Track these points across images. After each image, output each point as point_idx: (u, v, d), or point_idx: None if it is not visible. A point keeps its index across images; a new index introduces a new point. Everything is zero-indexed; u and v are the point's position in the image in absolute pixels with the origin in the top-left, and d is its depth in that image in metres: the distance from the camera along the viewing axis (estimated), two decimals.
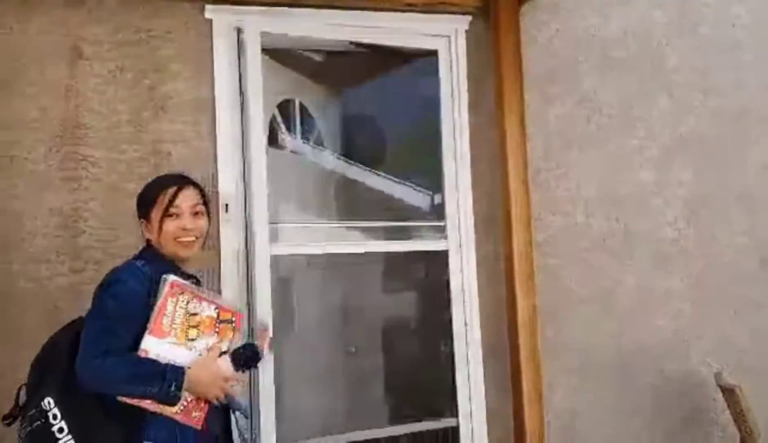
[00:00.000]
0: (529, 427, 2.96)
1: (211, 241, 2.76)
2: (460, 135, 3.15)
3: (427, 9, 3.12)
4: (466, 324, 3.11)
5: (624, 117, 3.32)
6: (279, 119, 3.37)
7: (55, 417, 1.77)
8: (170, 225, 1.97)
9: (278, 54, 3.27)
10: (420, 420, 3.12)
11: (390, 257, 3.39)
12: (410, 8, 3.08)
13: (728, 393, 2.87)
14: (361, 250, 3.14)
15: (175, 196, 1.98)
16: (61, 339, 1.90)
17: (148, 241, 2.03)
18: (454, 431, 3.07)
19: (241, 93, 2.94)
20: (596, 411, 3.17)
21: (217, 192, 2.81)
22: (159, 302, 1.85)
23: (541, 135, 3.23)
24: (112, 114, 2.80)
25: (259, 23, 2.90)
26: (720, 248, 3.34)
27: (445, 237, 3.11)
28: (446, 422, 3.08)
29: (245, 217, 2.84)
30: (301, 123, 3.56)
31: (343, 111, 3.95)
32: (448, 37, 3.16)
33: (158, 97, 2.85)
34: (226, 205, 2.80)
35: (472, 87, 3.18)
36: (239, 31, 2.95)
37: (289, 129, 3.46)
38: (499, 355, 3.11)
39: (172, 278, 1.88)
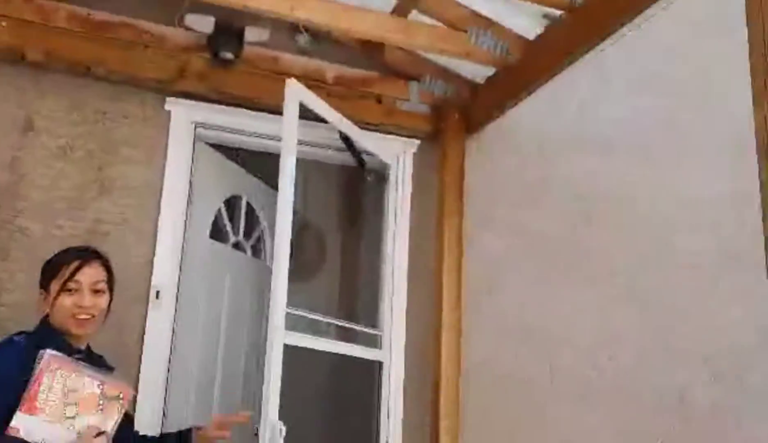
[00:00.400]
0: None
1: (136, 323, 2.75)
2: (399, 250, 3.22)
3: (383, 129, 3.28)
4: (387, 441, 3.07)
5: (559, 249, 3.44)
6: (224, 213, 3.39)
7: None
8: (67, 300, 1.92)
9: (232, 152, 3.37)
10: None
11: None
12: (367, 126, 3.23)
13: None
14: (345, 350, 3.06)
15: (76, 271, 1.93)
16: None
17: (46, 314, 1.96)
18: None
19: (191, 184, 2.99)
20: None
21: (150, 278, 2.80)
22: (33, 378, 1.76)
23: (478, 259, 3.32)
24: (54, 189, 2.80)
25: (214, 119, 3.02)
26: (640, 387, 3.41)
27: (380, 348, 3.13)
28: None
29: (176, 305, 2.83)
30: (246, 221, 3.59)
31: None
32: (397, 156, 3.30)
33: (105, 178, 2.88)
34: (157, 292, 2.78)
35: (416, 206, 3.29)
36: (196, 125, 3.04)
37: (232, 225, 3.48)
38: None
39: (49, 352, 1.80)
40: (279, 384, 2.44)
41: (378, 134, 3.27)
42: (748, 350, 2.82)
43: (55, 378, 1.78)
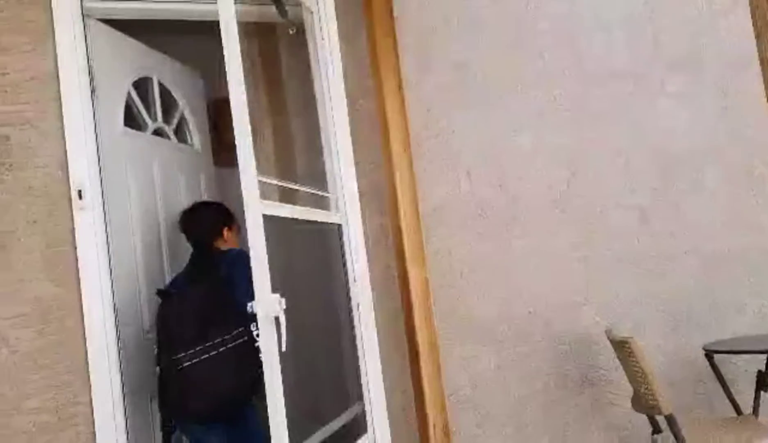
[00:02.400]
0: (430, 400, 2.86)
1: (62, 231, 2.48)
2: (338, 104, 2.97)
3: None
4: (357, 306, 2.95)
5: (499, 82, 3.27)
6: (136, 98, 3.04)
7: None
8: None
9: (132, 27, 2.98)
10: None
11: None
12: None
13: (619, 346, 2.88)
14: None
15: None
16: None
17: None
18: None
19: (89, 68, 2.63)
20: (494, 380, 3.11)
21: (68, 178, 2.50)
22: None
23: (419, 103, 3.12)
24: None
25: None
26: (601, 208, 3.37)
27: (331, 210, 2.94)
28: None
29: (103, 202, 2.56)
30: (162, 104, 3.25)
31: (209, 93, 3.69)
32: (316, 2, 2.98)
33: None
34: (79, 191, 2.49)
35: (345, 54, 3.02)
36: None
37: (148, 110, 3.14)
38: (393, 331, 2.98)
39: None
40: (266, 257, 2.20)
41: None
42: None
43: None
